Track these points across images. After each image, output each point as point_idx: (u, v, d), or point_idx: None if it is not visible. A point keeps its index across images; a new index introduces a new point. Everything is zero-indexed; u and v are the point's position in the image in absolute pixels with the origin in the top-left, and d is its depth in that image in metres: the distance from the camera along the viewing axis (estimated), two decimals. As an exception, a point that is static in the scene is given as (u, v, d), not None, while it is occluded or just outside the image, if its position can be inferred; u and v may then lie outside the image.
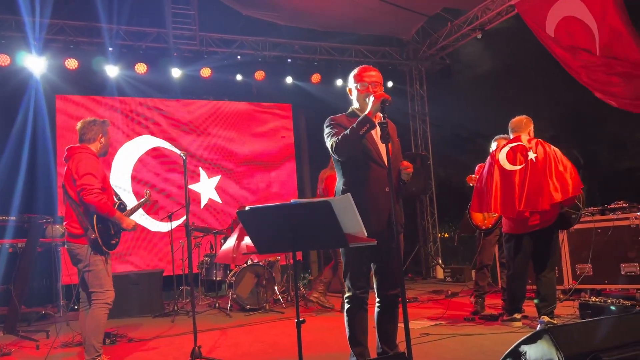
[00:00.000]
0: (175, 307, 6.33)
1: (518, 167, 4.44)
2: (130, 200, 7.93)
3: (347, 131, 2.89)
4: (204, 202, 8.86)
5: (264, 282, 6.38)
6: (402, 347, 3.09)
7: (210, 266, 6.95)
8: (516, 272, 4.59)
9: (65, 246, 3.81)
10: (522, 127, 4.65)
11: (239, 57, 8.91)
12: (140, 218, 8.15)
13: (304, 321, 2.53)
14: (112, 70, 7.99)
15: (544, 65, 6.93)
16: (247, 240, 5.60)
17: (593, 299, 4.76)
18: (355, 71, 3.17)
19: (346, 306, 3.11)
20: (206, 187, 8.91)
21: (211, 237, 7.37)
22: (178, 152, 4.82)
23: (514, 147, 4.54)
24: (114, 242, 3.85)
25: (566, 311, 4.96)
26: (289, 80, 9.18)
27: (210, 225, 8.34)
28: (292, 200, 2.45)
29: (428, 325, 4.83)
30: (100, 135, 3.95)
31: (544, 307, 4.40)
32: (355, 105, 3.17)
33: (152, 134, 8.66)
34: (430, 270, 10.09)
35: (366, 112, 2.86)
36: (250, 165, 9.31)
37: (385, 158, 2.90)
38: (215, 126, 9.12)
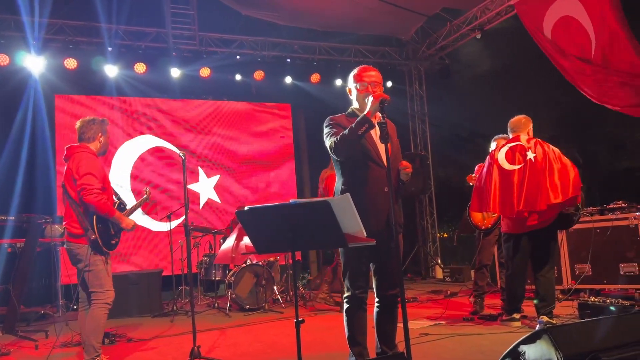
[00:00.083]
0: (175, 307, 6.33)
1: (517, 167, 4.44)
2: (129, 198, 7.94)
3: (346, 131, 2.90)
4: (202, 201, 8.86)
5: (263, 282, 6.38)
6: (401, 347, 3.09)
7: (210, 266, 6.95)
8: (515, 272, 4.59)
9: (65, 246, 3.80)
10: (521, 126, 4.64)
11: (238, 57, 8.91)
12: (141, 218, 8.15)
13: (303, 321, 2.53)
14: (111, 70, 7.99)
15: (544, 65, 6.94)
16: (246, 240, 5.61)
17: (592, 299, 4.76)
18: (354, 71, 3.17)
19: (345, 306, 3.11)
20: (205, 187, 8.91)
21: (210, 237, 7.37)
22: (177, 151, 4.82)
23: (513, 147, 4.54)
24: (114, 242, 3.84)
25: (565, 311, 4.96)
26: (288, 80, 9.18)
27: (210, 225, 8.34)
28: (291, 200, 2.45)
29: (427, 325, 4.83)
30: (100, 134, 3.94)
31: (543, 307, 4.40)
32: (355, 105, 3.18)
33: (152, 133, 8.66)
34: (429, 270, 10.09)
35: (365, 112, 2.86)
36: (250, 165, 9.31)
37: (384, 158, 2.90)
38: (214, 126, 9.11)
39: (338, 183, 3.14)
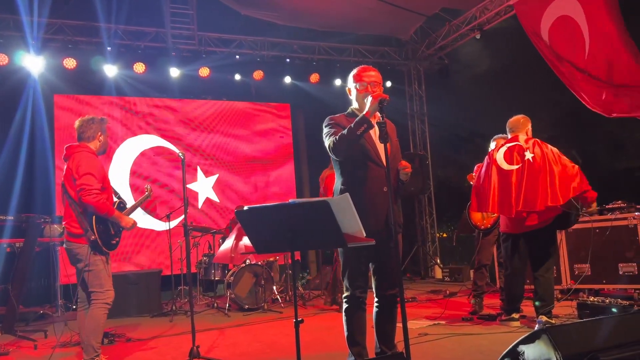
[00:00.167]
0: (174, 307, 6.32)
1: (515, 167, 4.43)
2: (128, 196, 7.93)
3: (345, 131, 2.89)
4: (201, 201, 8.86)
5: (263, 281, 6.38)
6: (400, 347, 3.10)
7: (209, 266, 6.95)
8: (514, 272, 4.59)
9: (65, 246, 3.78)
10: (520, 126, 4.64)
11: (237, 56, 8.91)
12: (141, 218, 8.15)
13: (302, 321, 2.53)
14: (110, 70, 7.98)
15: (543, 65, 6.94)
16: (245, 240, 5.61)
17: (591, 299, 4.76)
18: (354, 71, 3.17)
19: (344, 306, 3.10)
20: (203, 186, 8.91)
21: (209, 236, 7.37)
22: (177, 151, 4.81)
23: (511, 147, 4.54)
24: (114, 242, 3.83)
25: (564, 311, 4.96)
26: (287, 80, 9.18)
27: (208, 225, 8.34)
28: (290, 200, 2.45)
29: (426, 325, 4.83)
30: (99, 133, 3.92)
31: (542, 307, 4.40)
32: (355, 105, 3.17)
33: (151, 133, 8.66)
34: (428, 270, 10.09)
35: (364, 112, 2.86)
36: (249, 164, 9.31)
37: (383, 158, 2.90)
38: (213, 126, 9.11)
39: (337, 183, 3.14)
